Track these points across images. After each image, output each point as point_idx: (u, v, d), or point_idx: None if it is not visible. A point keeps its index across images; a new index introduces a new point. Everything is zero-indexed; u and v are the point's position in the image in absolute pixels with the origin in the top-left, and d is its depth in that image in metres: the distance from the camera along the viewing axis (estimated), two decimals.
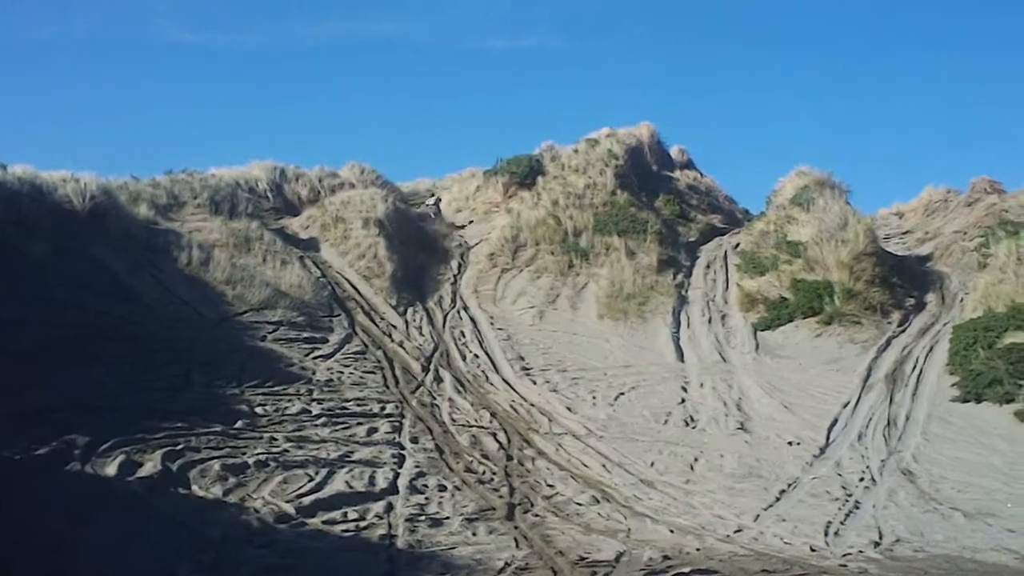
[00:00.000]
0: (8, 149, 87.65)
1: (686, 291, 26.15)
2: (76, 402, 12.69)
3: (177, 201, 24.00)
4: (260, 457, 12.43)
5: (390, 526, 11.17)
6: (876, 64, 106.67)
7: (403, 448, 14.38)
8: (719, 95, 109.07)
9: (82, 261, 18.21)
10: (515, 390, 18.81)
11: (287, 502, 11.28)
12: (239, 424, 13.75)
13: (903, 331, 23.43)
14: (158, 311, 17.88)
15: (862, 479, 15.02)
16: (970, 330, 21.33)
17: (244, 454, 12.46)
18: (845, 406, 18.72)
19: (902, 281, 25.76)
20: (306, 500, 11.47)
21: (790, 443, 16.66)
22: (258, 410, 14.66)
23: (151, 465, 11.31)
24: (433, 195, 32.92)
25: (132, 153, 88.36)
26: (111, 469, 10.97)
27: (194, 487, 11.22)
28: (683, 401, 18.81)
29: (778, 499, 13.89)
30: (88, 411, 12.42)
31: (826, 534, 12.43)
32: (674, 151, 38.83)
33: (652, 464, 15.23)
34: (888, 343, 22.59)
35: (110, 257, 18.97)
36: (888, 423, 17.91)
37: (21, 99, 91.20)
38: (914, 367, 21.01)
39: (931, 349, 22.05)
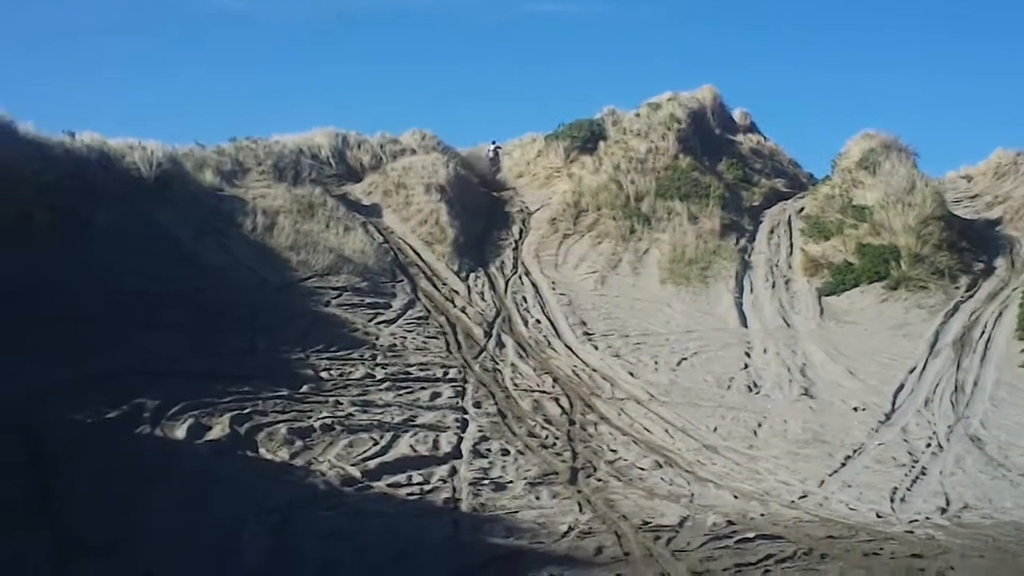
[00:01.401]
0: (76, 117, 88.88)
1: (749, 256, 25.90)
2: (144, 367, 12.89)
3: (241, 168, 24.18)
4: (326, 421, 12.59)
5: (454, 490, 11.26)
6: (944, 24, 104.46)
7: (466, 413, 14.47)
8: (783, 58, 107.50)
9: (149, 228, 18.46)
10: (577, 355, 18.80)
11: (352, 465, 11.41)
12: (304, 388, 13.92)
13: (971, 296, 23.01)
14: (223, 277, 18.09)
15: (929, 445, 14.84)
16: None
17: (310, 418, 12.63)
18: (911, 372, 18.47)
19: (970, 245, 25.28)
20: (371, 464, 11.60)
21: (855, 409, 16.50)
22: (323, 375, 14.82)
23: (219, 428, 11.50)
24: (494, 143, 33.01)
25: (195, 120, 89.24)
26: (180, 432, 11.17)
27: (261, 450, 11.40)
28: (746, 367, 18.68)
29: (843, 465, 13.78)
30: (156, 376, 12.61)
31: (892, 500, 12.32)
32: (737, 114, 38.30)
33: (715, 429, 15.18)
34: (956, 308, 22.21)
35: (176, 224, 19.21)
36: (955, 389, 17.65)
37: (85, 68, 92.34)
38: (982, 333, 20.66)
39: (1000, 314, 21.65)
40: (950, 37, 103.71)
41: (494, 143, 32.94)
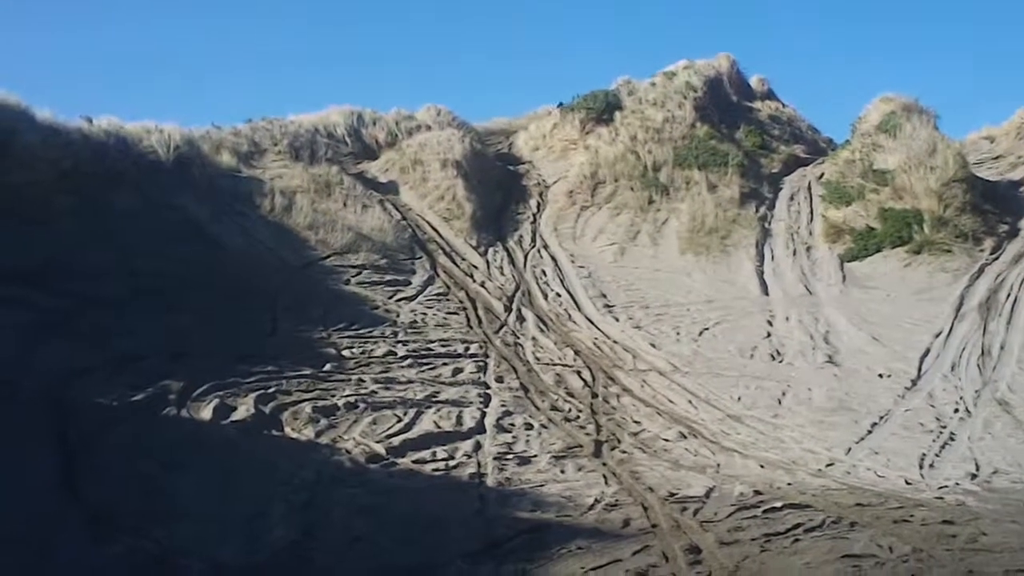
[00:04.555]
0: (93, 102, 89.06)
1: (769, 224, 25.71)
2: (167, 349, 12.91)
3: (258, 148, 24.16)
4: (349, 399, 12.59)
5: (479, 465, 11.25)
6: None
7: (488, 387, 14.45)
8: (800, 23, 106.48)
9: (168, 210, 18.47)
10: (598, 327, 18.75)
11: (377, 442, 11.42)
12: (327, 367, 13.93)
13: (996, 258, 22.78)
14: (243, 258, 18.11)
15: (956, 410, 14.74)
16: None
17: (334, 396, 12.64)
18: (937, 336, 18.33)
19: (994, 207, 25.00)
20: (395, 440, 11.60)
21: (880, 375, 16.40)
22: (345, 353, 14.82)
23: (244, 409, 11.52)
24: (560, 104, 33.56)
25: (209, 102, 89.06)
26: (206, 413, 11.19)
27: (287, 429, 11.42)
28: (769, 335, 18.59)
29: (870, 432, 13.71)
30: (180, 357, 12.64)
31: (921, 467, 12.25)
32: (754, 81, 37.96)
33: (739, 399, 15.13)
34: (980, 271, 22.01)
35: (195, 206, 19.21)
36: (982, 353, 17.52)
37: (100, 53, 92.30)
38: (1008, 295, 20.45)
39: None
40: None
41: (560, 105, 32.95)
